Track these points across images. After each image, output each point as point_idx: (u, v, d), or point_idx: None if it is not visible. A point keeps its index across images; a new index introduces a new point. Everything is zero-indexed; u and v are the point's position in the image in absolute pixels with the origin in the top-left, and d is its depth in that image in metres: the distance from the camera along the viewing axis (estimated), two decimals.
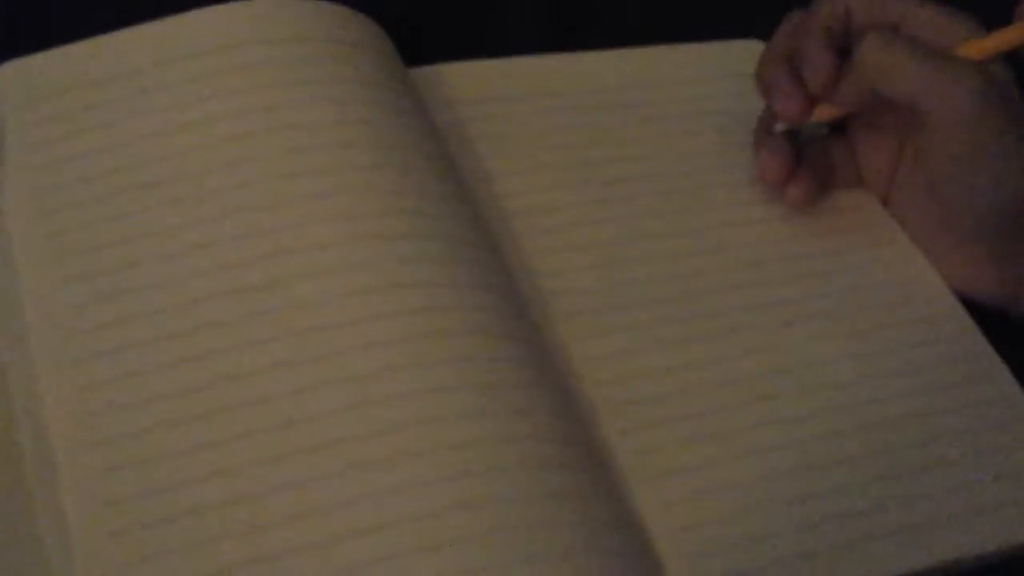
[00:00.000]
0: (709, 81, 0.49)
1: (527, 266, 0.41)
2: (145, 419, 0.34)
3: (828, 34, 0.43)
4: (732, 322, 0.41)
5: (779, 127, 0.44)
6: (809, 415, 0.39)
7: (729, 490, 0.37)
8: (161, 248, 0.37)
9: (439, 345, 0.36)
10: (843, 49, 0.43)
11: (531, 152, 0.45)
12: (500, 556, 0.32)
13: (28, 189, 0.39)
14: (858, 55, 0.41)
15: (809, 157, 0.45)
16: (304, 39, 0.42)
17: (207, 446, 0.34)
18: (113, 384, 0.35)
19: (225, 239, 0.38)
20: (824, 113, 0.44)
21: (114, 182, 0.39)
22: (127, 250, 0.37)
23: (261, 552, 0.32)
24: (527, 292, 0.40)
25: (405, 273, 0.37)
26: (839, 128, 0.46)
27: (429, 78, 0.46)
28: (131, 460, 0.34)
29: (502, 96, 0.46)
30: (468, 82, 0.46)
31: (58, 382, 0.35)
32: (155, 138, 0.40)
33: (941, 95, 0.40)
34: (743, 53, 0.49)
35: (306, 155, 0.39)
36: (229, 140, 0.39)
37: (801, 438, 0.39)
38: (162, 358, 0.35)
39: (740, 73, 0.47)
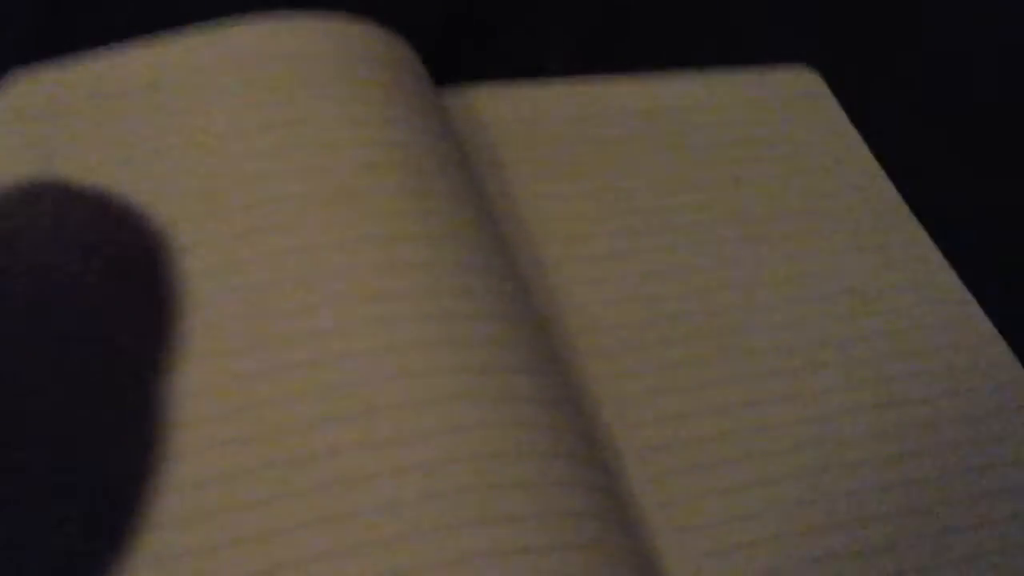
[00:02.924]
0: (758, 108, 0.47)
1: (554, 298, 0.40)
2: None
3: None
4: (769, 364, 0.39)
5: None
6: (853, 464, 0.37)
7: (763, 545, 0.35)
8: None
9: (461, 381, 0.34)
10: None
11: (563, 178, 0.43)
12: None
13: None
14: None
15: None
16: (331, 56, 0.41)
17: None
18: None
19: (244, 261, 0.36)
20: None
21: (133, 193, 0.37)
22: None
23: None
24: (554, 326, 0.39)
25: (427, 303, 0.36)
26: None
27: (460, 99, 0.44)
28: None
29: (534, 119, 0.45)
30: (500, 104, 0.45)
31: None
32: (174, 152, 0.38)
33: None
34: (793, 80, 0.47)
35: (327, 176, 0.38)
36: (249, 157, 0.38)
37: (843, 490, 0.37)
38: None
39: (791, 101, 0.45)
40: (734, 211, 0.44)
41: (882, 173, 0.46)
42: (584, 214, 0.42)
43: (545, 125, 0.45)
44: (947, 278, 0.43)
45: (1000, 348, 0.42)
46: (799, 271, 0.42)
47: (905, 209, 0.45)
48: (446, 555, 0.31)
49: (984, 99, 0.51)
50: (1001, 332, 0.42)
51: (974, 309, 0.43)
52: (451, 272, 0.37)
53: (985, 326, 0.42)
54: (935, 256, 0.44)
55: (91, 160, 0.38)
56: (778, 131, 0.46)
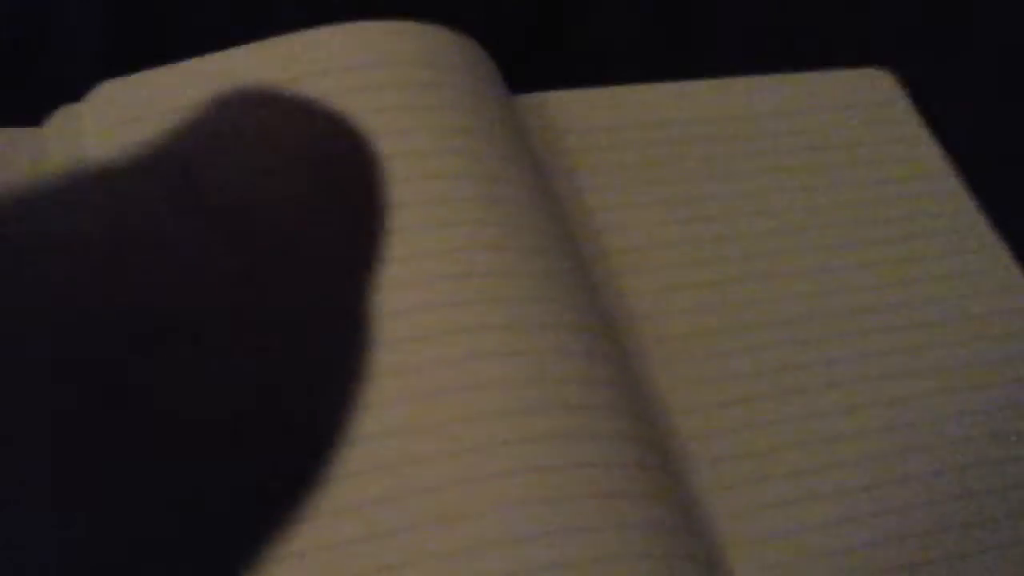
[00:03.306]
0: (832, 111, 0.47)
1: (627, 307, 0.40)
2: None
3: None
4: (841, 373, 0.39)
5: None
6: (924, 476, 0.37)
7: (835, 557, 0.35)
8: None
9: (534, 393, 0.35)
10: None
11: (637, 185, 0.43)
12: None
13: None
14: None
15: None
16: (405, 62, 0.41)
17: None
18: None
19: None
20: None
21: None
22: None
23: None
24: (625, 335, 0.39)
25: (499, 313, 0.36)
26: None
27: (534, 105, 0.45)
28: None
29: (608, 126, 0.45)
30: (574, 110, 0.45)
31: None
32: None
33: None
34: (866, 82, 0.47)
35: (404, 185, 0.38)
36: None
37: (916, 501, 0.37)
38: None
39: (864, 103, 0.45)
40: (809, 219, 0.44)
41: (955, 177, 0.46)
42: (659, 222, 0.42)
43: (618, 131, 0.45)
44: (1019, 291, 0.43)
45: None
46: (876, 282, 0.42)
47: (980, 218, 0.45)
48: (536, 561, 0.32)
49: None
50: None
51: None
52: (528, 281, 0.37)
53: None
54: (1012, 268, 0.44)
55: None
56: (852, 135, 0.46)
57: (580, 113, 0.45)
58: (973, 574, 0.36)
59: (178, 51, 0.41)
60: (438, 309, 0.36)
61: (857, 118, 0.46)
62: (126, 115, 0.40)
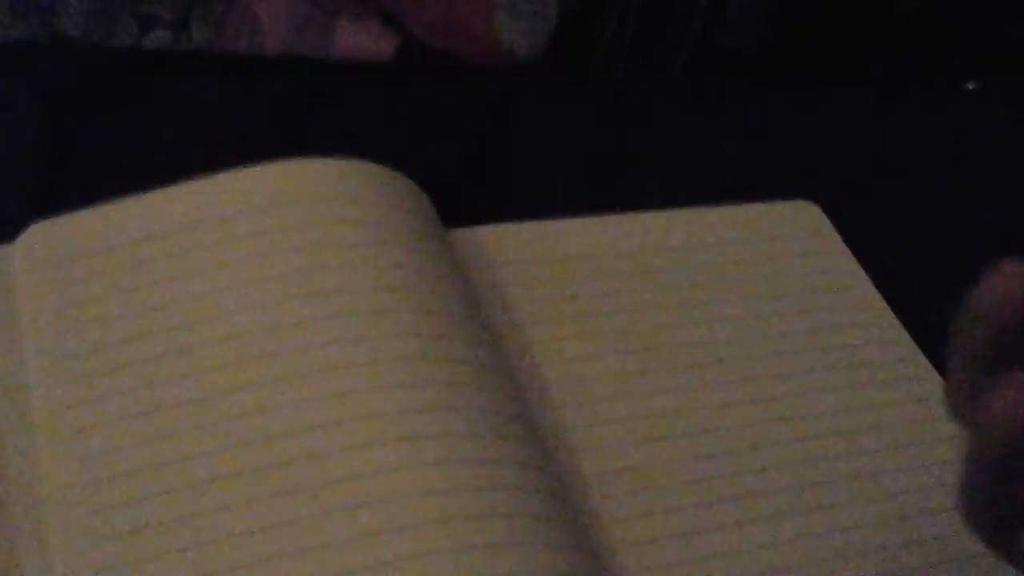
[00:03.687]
0: (761, 242, 0.48)
1: (566, 441, 0.40)
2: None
3: None
4: (786, 502, 0.39)
5: None
6: None
7: None
8: (188, 419, 0.36)
9: (476, 528, 0.34)
10: None
11: (572, 318, 0.44)
12: None
13: (51, 353, 0.38)
14: None
15: None
16: (341, 199, 0.41)
17: None
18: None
19: (254, 410, 0.36)
20: None
21: (143, 347, 0.38)
22: (151, 423, 0.36)
23: None
24: (566, 469, 0.39)
25: (439, 449, 0.36)
26: None
27: (467, 240, 0.45)
28: None
29: (542, 259, 0.45)
30: (507, 244, 0.45)
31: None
32: (186, 302, 0.39)
33: None
34: (794, 213, 0.48)
35: (341, 321, 0.38)
36: (261, 306, 0.38)
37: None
38: (179, 537, 0.34)
39: (794, 235, 0.46)
40: (737, 349, 0.44)
41: (884, 306, 0.47)
42: (595, 353, 0.43)
43: (549, 264, 0.45)
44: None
45: None
46: (800, 410, 0.43)
47: (911, 344, 0.45)
48: None
49: (982, 226, 0.51)
50: None
51: None
52: (466, 415, 0.37)
53: None
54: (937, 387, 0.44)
55: (112, 307, 0.39)
56: (781, 265, 0.47)
57: (514, 246, 0.45)
58: None
59: (110, 188, 0.41)
60: (360, 449, 0.36)
61: (786, 248, 0.47)
62: (57, 256, 0.40)
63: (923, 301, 0.47)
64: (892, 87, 0.61)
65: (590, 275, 0.45)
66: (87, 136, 0.47)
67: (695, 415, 0.42)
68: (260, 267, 0.39)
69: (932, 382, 0.44)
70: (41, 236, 0.40)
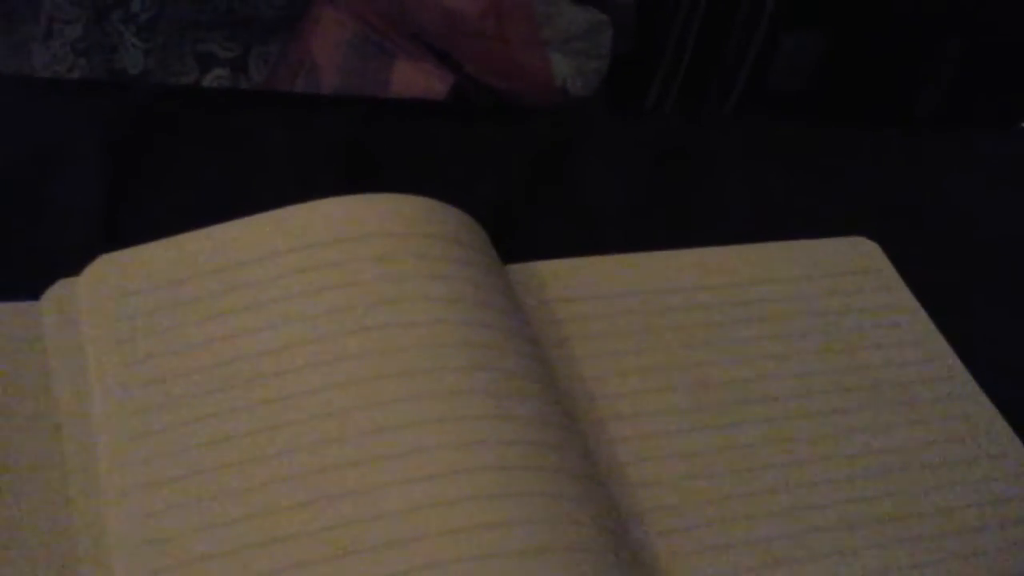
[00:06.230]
0: (819, 278, 0.48)
1: (621, 475, 0.40)
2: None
3: None
4: (838, 542, 0.39)
5: None
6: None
7: None
8: (247, 453, 0.36)
9: (533, 567, 0.34)
10: None
11: (627, 353, 0.44)
12: None
13: (114, 385, 0.38)
14: None
15: None
16: (401, 234, 0.41)
17: None
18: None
19: (315, 443, 0.36)
20: None
21: (205, 379, 0.38)
22: (213, 454, 0.36)
23: None
24: (621, 503, 0.39)
25: (499, 482, 0.36)
26: None
27: (524, 275, 0.45)
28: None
29: (598, 295, 0.45)
30: (564, 280, 0.46)
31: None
32: (248, 335, 0.39)
33: None
34: (851, 249, 0.48)
35: (402, 355, 0.38)
36: (324, 339, 0.39)
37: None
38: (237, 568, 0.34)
39: (852, 271, 0.46)
40: (800, 385, 0.44)
41: (942, 341, 0.46)
42: (649, 388, 0.43)
43: (607, 300, 0.45)
44: (1015, 449, 0.43)
45: None
46: (861, 448, 0.42)
47: (971, 381, 0.45)
48: None
49: None
50: None
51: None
52: (524, 448, 0.37)
53: None
54: (999, 424, 0.44)
55: (175, 340, 0.39)
56: (840, 301, 0.47)
57: (571, 282, 0.45)
58: None
59: (172, 225, 0.42)
60: (423, 481, 0.36)
61: (844, 284, 0.47)
62: (121, 289, 0.40)
63: (978, 338, 0.47)
64: (943, 126, 0.61)
65: (649, 312, 0.45)
66: (150, 173, 0.48)
67: (743, 450, 0.41)
68: (321, 301, 0.39)
69: (989, 416, 0.44)
70: (106, 269, 0.41)
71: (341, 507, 0.35)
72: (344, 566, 0.34)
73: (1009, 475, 0.43)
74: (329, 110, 0.53)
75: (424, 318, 0.39)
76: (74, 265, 0.41)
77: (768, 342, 0.45)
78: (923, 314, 0.47)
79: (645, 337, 0.44)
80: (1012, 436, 0.44)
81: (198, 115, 0.51)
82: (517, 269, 0.45)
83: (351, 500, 0.35)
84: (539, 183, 0.51)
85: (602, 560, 0.35)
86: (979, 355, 0.46)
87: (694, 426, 0.42)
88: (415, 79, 0.55)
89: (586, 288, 0.45)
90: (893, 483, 0.41)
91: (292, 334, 0.39)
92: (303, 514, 0.35)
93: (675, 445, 0.41)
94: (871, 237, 0.50)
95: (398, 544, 0.34)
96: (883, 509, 0.41)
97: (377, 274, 0.40)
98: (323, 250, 0.41)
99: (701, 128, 0.57)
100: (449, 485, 0.35)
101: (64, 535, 0.35)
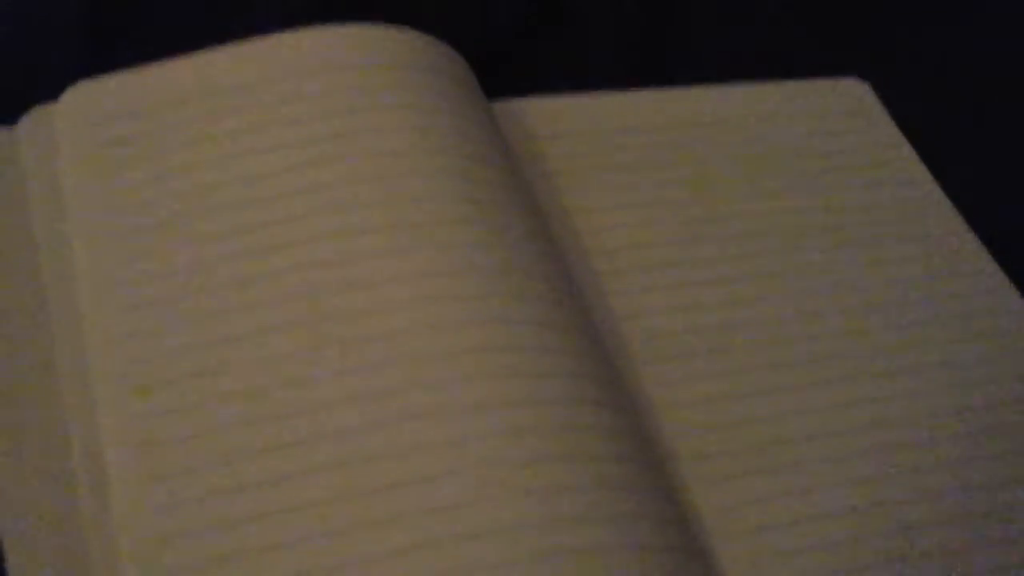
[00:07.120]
0: (808, 118, 0.47)
1: (607, 306, 0.40)
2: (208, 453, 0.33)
3: None
4: (828, 372, 0.39)
5: None
6: (915, 471, 0.37)
7: (824, 550, 0.35)
8: (229, 276, 0.36)
9: (518, 392, 0.34)
10: None
11: (615, 189, 0.43)
12: None
13: (92, 213, 0.38)
14: None
15: None
16: (384, 66, 0.41)
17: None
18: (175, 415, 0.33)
19: (293, 268, 0.36)
20: None
21: (189, 205, 0.38)
22: (199, 278, 0.36)
23: None
24: (607, 334, 0.39)
25: (484, 310, 0.36)
26: None
27: (510, 111, 0.44)
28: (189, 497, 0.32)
29: (586, 131, 0.45)
30: (551, 116, 0.45)
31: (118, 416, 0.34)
32: (232, 160, 0.38)
33: None
34: (841, 91, 0.47)
35: (385, 182, 0.38)
36: (304, 167, 0.38)
37: (901, 498, 0.37)
38: (228, 387, 0.34)
39: (841, 111, 0.46)
40: (787, 223, 0.44)
41: (932, 182, 0.46)
42: (636, 222, 0.42)
43: (595, 136, 0.45)
44: (1001, 288, 0.43)
45: None
46: (851, 281, 0.42)
47: (959, 219, 0.45)
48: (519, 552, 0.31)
49: None
50: None
51: None
52: (509, 277, 0.37)
53: None
54: (987, 264, 0.44)
55: (151, 168, 0.38)
56: (829, 142, 0.46)
57: (558, 118, 0.45)
58: (964, 568, 0.35)
59: (155, 50, 0.41)
60: (403, 309, 0.35)
61: (834, 125, 0.47)
62: (99, 115, 0.40)
63: (971, 185, 0.47)
64: None
65: (636, 147, 0.45)
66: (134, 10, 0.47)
67: (746, 284, 0.41)
68: (300, 129, 0.39)
69: (978, 256, 0.44)
70: (84, 96, 0.40)
71: (323, 327, 0.35)
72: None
73: (999, 310, 0.43)
74: None
75: (408, 146, 0.39)
76: (52, 92, 0.40)
77: (758, 180, 0.45)
78: (914, 155, 0.47)
79: (633, 174, 0.44)
80: (998, 271, 0.44)
81: None
82: (503, 105, 0.44)
83: (330, 321, 0.35)
84: (531, 18, 0.50)
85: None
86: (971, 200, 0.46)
87: (683, 259, 0.42)
88: None
89: (572, 125, 0.45)
90: (887, 314, 0.41)
91: (277, 160, 0.38)
92: (287, 341, 0.35)
93: (666, 278, 0.41)
94: (860, 75, 0.49)
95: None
96: (873, 342, 0.41)
97: (360, 104, 0.40)
98: (307, 79, 0.40)
99: None
100: (425, 310, 0.35)
101: (46, 372, 0.35)
